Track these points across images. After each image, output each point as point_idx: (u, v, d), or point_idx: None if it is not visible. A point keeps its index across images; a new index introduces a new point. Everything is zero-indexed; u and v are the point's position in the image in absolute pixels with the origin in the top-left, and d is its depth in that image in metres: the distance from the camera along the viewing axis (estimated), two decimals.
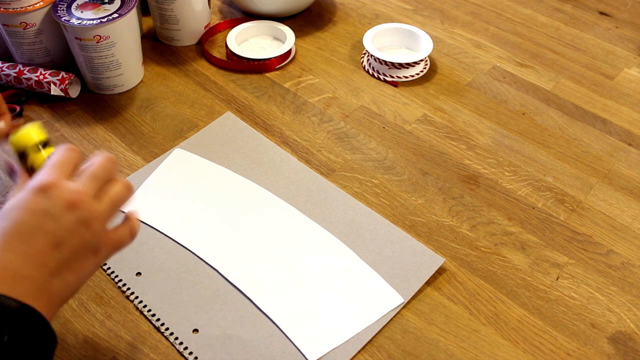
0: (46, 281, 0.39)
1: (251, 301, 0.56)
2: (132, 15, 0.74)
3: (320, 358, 0.52)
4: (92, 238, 0.41)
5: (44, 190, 0.41)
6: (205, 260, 0.59)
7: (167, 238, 0.61)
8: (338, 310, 0.55)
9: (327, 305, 0.56)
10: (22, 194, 0.41)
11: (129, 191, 0.45)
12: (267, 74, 0.83)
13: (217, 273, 0.58)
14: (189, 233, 0.61)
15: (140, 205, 0.64)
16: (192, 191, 0.66)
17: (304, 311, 0.55)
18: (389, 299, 0.56)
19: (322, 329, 0.54)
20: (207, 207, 0.64)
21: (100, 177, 0.44)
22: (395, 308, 0.56)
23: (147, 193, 0.66)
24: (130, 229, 0.46)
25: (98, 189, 0.43)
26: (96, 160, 0.44)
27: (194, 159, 0.70)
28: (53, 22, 0.75)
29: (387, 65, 0.81)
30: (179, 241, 0.61)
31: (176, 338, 0.53)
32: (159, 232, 0.62)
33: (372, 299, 0.56)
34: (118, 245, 0.45)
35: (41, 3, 0.73)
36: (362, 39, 0.84)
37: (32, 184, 0.41)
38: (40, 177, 0.42)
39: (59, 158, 0.44)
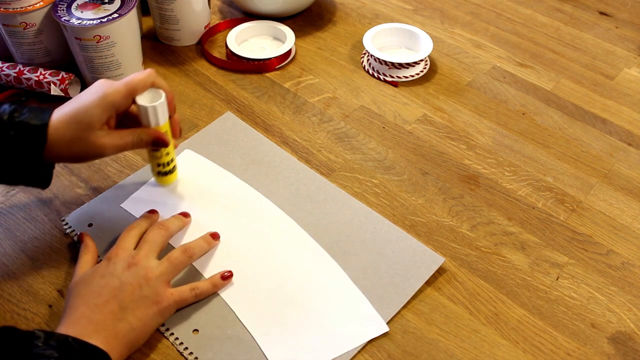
0: (113, 324, 0.49)
1: (235, 315, 0.55)
2: (132, 15, 0.74)
3: None
4: (149, 290, 0.51)
5: (109, 259, 0.54)
6: (196, 267, 0.59)
7: None
8: (321, 333, 0.54)
9: (310, 326, 0.54)
10: (96, 265, 0.54)
11: (187, 257, 0.56)
12: (267, 74, 0.83)
13: None
14: (184, 240, 0.61)
15: (139, 205, 0.64)
16: (191, 195, 0.65)
17: (285, 329, 0.54)
18: (374, 326, 0.54)
19: (302, 351, 0.52)
20: (204, 213, 0.63)
21: (155, 242, 0.56)
22: (366, 305, 0.56)
23: (148, 193, 0.66)
24: (195, 293, 0.54)
25: (156, 251, 0.55)
26: (149, 231, 0.57)
27: (201, 161, 0.69)
28: (53, 22, 0.75)
29: (387, 65, 0.81)
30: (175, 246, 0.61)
31: (176, 338, 0.53)
32: None
33: (358, 325, 0.54)
34: (180, 301, 0.54)
35: (41, 3, 0.73)
36: (362, 39, 0.84)
37: (106, 255, 0.54)
38: (110, 251, 0.55)
39: (125, 235, 0.56)
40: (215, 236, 0.60)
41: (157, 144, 0.57)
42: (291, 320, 0.55)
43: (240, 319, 0.55)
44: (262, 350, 0.52)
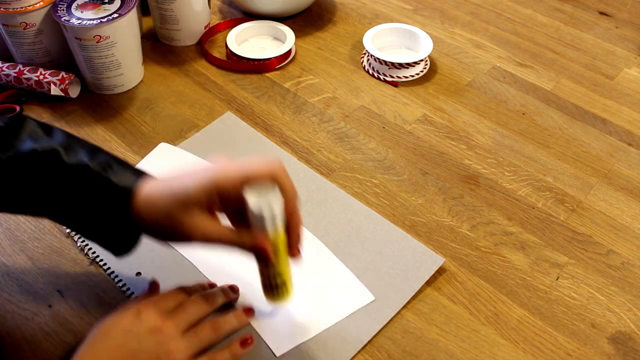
0: None
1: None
2: (132, 15, 0.74)
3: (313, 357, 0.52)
4: None
5: (139, 312, 0.48)
6: (194, 264, 0.59)
7: None
8: (308, 306, 0.56)
9: (297, 301, 0.55)
10: (122, 312, 0.48)
11: (215, 334, 0.50)
12: (267, 74, 0.83)
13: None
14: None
15: None
16: None
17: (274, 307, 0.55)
18: (360, 296, 0.56)
19: (291, 325, 0.54)
20: None
21: (192, 313, 0.50)
22: (366, 305, 0.56)
23: None
24: None
25: (187, 323, 0.49)
26: (192, 299, 0.51)
27: (177, 153, 0.69)
28: (53, 22, 0.75)
29: (387, 65, 0.81)
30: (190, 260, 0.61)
31: None
32: None
33: (343, 296, 0.56)
34: None
35: (41, 3, 0.73)
36: (362, 39, 0.84)
37: (134, 306, 0.48)
38: (142, 303, 0.49)
39: (165, 294, 0.51)
40: (249, 313, 0.54)
41: (257, 253, 0.47)
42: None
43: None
44: (252, 327, 0.54)
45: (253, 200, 0.45)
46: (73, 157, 0.47)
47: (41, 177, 0.46)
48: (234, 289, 0.55)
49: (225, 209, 0.48)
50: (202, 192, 0.45)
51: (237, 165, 0.45)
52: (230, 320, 0.52)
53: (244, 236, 0.47)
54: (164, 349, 0.46)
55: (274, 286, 0.51)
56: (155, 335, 0.46)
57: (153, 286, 0.55)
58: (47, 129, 0.49)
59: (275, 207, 0.45)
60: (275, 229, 0.47)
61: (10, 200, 0.49)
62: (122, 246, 0.49)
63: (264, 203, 0.45)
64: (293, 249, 0.49)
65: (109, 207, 0.46)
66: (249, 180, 0.45)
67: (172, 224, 0.46)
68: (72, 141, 0.48)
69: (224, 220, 0.48)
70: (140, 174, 0.48)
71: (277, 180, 0.45)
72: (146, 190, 0.46)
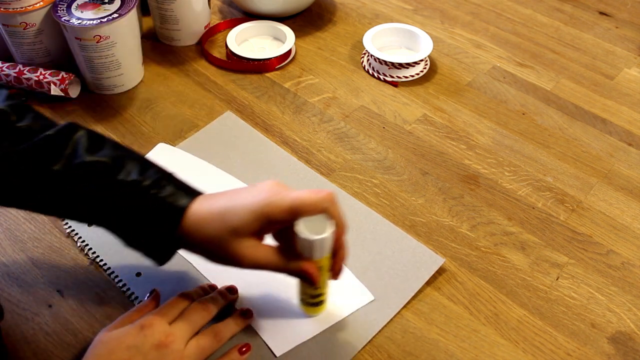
0: None
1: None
2: (132, 15, 0.74)
3: (312, 356, 0.52)
4: None
5: (143, 327, 0.47)
6: (194, 264, 0.59)
7: None
8: None
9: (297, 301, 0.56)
10: (127, 327, 0.48)
11: (217, 341, 0.51)
12: (267, 74, 0.83)
13: None
14: None
15: None
16: None
17: (273, 306, 0.56)
18: (360, 296, 0.56)
19: (291, 325, 0.54)
20: None
21: (194, 322, 0.50)
22: (366, 305, 0.56)
23: None
24: None
25: (190, 333, 0.49)
26: (194, 308, 0.51)
27: (175, 153, 0.70)
28: (53, 22, 0.75)
29: (387, 65, 0.81)
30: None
31: None
32: None
33: (343, 296, 0.56)
34: None
35: (41, 3, 0.73)
36: (362, 39, 0.84)
37: (140, 320, 0.48)
38: (146, 317, 0.48)
39: (168, 303, 0.51)
40: (247, 315, 0.54)
41: (304, 279, 0.48)
42: (280, 300, 0.55)
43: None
44: (252, 327, 0.54)
45: (303, 229, 0.45)
46: (124, 173, 0.47)
47: (91, 191, 0.47)
48: (232, 290, 0.55)
49: (272, 231, 0.49)
50: (254, 221, 0.45)
51: (289, 195, 0.45)
52: (230, 326, 0.52)
53: (291, 263, 0.47)
54: None
55: (313, 303, 0.53)
56: (161, 350, 0.46)
57: (154, 295, 0.54)
58: (97, 139, 0.49)
59: (325, 237, 0.45)
60: (322, 257, 0.47)
61: (58, 208, 0.49)
62: (161, 257, 0.50)
63: (315, 233, 0.45)
64: (335, 275, 0.50)
65: (157, 225, 0.47)
66: (300, 210, 0.45)
67: (221, 250, 0.46)
68: (122, 153, 0.48)
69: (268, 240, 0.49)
70: (191, 193, 0.48)
71: (328, 212, 0.45)
72: (197, 213, 0.46)
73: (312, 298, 0.52)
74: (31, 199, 0.48)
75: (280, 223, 0.46)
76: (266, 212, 0.44)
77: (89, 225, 0.50)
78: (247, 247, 0.46)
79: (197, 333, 0.50)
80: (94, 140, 0.48)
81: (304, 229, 0.45)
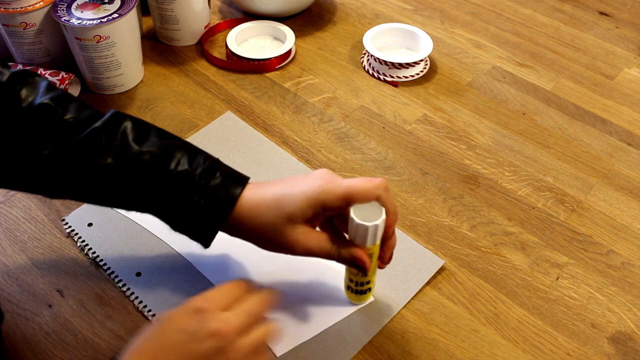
0: None
1: None
2: (132, 15, 0.74)
3: (312, 356, 0.52)
4: None
5: (198, 312, 0.44)
6: (194, 264, 0.59)
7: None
8: (308, 306, 0.56)
9: (297, 301, 0.56)
10: (180, 309, 0.45)
11: (272, 336, 0.48)
12: (267, 74, 0.83)
13: None
14: (179, 237, 0.61)
15: None
16: None
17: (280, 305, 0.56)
18: None
19: (291, 325, 0.54)
20: None
21: (253, 315, 0.47)
22: (366, 305, 0.56)
23: None
24: None
25: (247, 325, 0.46)
26: (255, 297, 0.47)
27: None
28: (53, 22, 0.75)
29: (387, 65, 0.81)
30: (171, 245, 0.61)
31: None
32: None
33: (342, 296, 0.56)
34: None
35: (41, 3, 0.73)
36: (362, 39, 0.84)
37: (192, 303, 0.45)
38: (200, 300, 0.45)
39: (222, 288, 0.47)
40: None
41: (355, 266, 0.49)
42: (281, 301, 0.55)
43: None
44: None
45: (357, 216, 0.46)
46: (174, 163, 0.48)
47: (141, 182, 0.47)
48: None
49: (322, 218, 0.50)
50: (308, 207, 0.46)
51: (343, 183, 0.46)
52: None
53: (343, 250, 0.48)
54: (223, 351, 0.44)
55: (359, 291, 0.53)
56: (216, 338, 0.44)
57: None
58: (143, 128, 0.49)
59: (378, 224, 0.46)
60: (374, 244, 0.48)
61: (107, 198, 0.49)
62: (207, 240, 0.50)
63: (367, 220, 0.46)
64: (384, 263, 0.51)
65: (209, 215, 0.48)
66: (354, 198, 0.46)
67: (275, 236, 0.47)
68: (169, 142, 0.49)
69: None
70: (241, 180, 0.49)
71: (380, 200, 0.47)
72: (251, 200, 0.47)
73: (359, 286, 0.53)
74: (81, 191, 0.49)
75: (333, 210, 0.47)
76: (321, 199, 0.46)
77: (136, 211, 0.50)
78: (301, 233, 0.47)
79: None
80: (140, 129, 0.49)
81: (357, 216, 0.46)
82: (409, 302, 0.56)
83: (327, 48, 0.88)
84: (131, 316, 0.55)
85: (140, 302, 0.56)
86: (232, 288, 0.49)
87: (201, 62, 0.85)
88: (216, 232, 0.49)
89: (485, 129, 0.75)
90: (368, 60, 0.85)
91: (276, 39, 0.89)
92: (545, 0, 0.99)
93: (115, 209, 0.64)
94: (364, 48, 0.86)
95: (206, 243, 0.50)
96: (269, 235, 0.47)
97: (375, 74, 0.83)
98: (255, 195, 0.48)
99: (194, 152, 0.49)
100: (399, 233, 0.62)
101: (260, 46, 0.88)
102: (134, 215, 0.63)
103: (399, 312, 0.56)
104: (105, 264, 0.59)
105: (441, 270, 0.59)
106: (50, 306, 0.56)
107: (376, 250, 0.49)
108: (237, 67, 0.84)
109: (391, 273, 0.58)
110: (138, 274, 0.58)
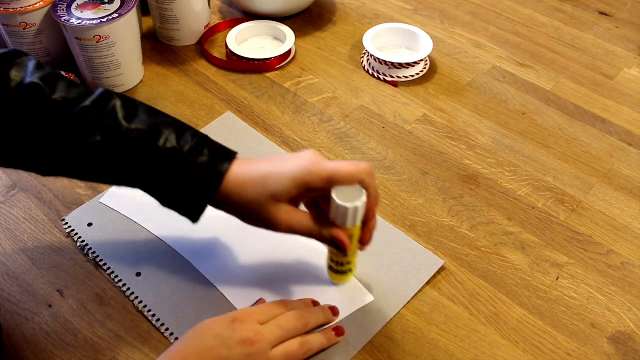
0: None
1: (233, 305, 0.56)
2: (132, 15, 0.74)
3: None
4: None
5: (233, 321, 0.48)
6: (194, 264, 0.59)
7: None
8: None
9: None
10: (220, 317, 0.48)
11: (301, 351, 0.50)
12: (267, 74, 0.83)
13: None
14: (179, 237, 0.62)
15: (118, 199, 0.64)
16: None
17: None
18: (360, 296, 0.56)
19: None
20: None
21: (286, 329, 0.49)
22: (366, 305, 0.56)
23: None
24: None
25: (280, 338, 0.49)
26: (291, 313, 0.51)
27: None
28: (53, 22, 0.75)
29: (387, 65, 0.81)
30: (171, 245, 0.61)
31: (176, 338, 0.53)
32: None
33: (343, 296, 0.56)
34: None
35: (41, 3, 0.73)
36: (362, 39, 0.84)
37: (231, 314, 0.49)
38: (239, 312, 0.49)
39: (264, 305, 0.51)
40: (339, 332, 0.53)
41: (335, 246, 0.50)
42: (282, 298, 0.56)
43: (231, 302, 0.56)
44: None
45: (339, 197, 0.47)
46: (162, 139, 0.48)
47: (131, 159, 0.48)
48: (334, 311, 0.55)
49: (307, 198, 0.52)
50: (293, 187, 0.47)
51: (328, 165, 0.48)
52: (319, 340, 0.52)
53: (324, 230, 0.49)
54: (253, 358, 0.46)
55: (340, 271, 0.55)
56: (245, 346, 0.46)
57: (259, 302, 0.55)
58: (131, 106, 0.50)
59: (359, 206, 0.47)
60: (354, 225, 0.49)
61: (96, 174, 0.50)
62: (196, 215, 0.51)
63: (348, 201, 0.47)
64: (363, 245, 0.52)
65: (198, 190, 0.49)
66: (337, 180, 0.47)
67: (259, 213, 0.48)
68: (158, 119, 0.50)
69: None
70: (230, 157, 0.49)
71: (363, 183, 0.48)
72: (238, 176, 0.48)
73: (340, 266, 0.54)
74: (71, 168, 0.50)
75: (317, 191, 0.48)
76: (306, 180, 0.47)
77: (124, 186, 0.51)
78: (284, 211, 0.48)
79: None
80: (129, 107, 0.50)
81: (339, 197, 0.47)
82: (409, 302, 0.56)
83: (327, 48, 0.88)
84: (131, 316, 0.56)
85: (140, 302, 0.56)
86: (272, 306, 0.52)
87: (201, 62, 0.85)
88: (205, 208, 0.50)
89: (485, 129, 0.75)
90: (368, 60, 0.85)
91: (276, 39, 0.89)
92: (545, 0, 0.99)
93: (115, 212, 0.64)
94: (364, 48, 0.86)
95: (195, 218, 0.51)
96: (254, 211, 0.48)
97: (375, 74, 0.83)
98: (242, 172, 0.49)
99: (183, 129, 0.50)
100: (399, 233, 0.62)
101: (260, 46, 0.88)
102: (134, 215, 0.63)
103: (399, 312, 0.56)
104: (105, 264, 0.59)
105: (441, 270, 0.59)
106: (50, 306, 0.56)
107: (357, 232, 0.50)
108: (237, 67, 0.84)
109: (391, 273, 0.58)
110: (138, 274, 0.58)
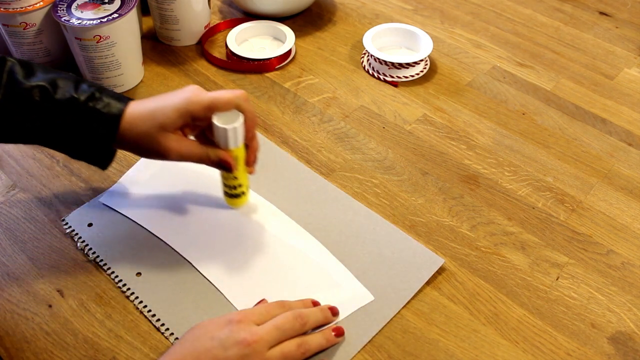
0: None
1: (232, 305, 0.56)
2: (132, 15, 0.74)
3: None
4: None
5: (230, 322, 0.48)
6: (194, 264, 0.59)
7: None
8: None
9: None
10: (217, 318, 0.49)
11: (299, 352, 0.50)
12: (267, 74, 0.83)
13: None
14: (179, 237, 0.61)
15: (116, 199, 0.64)
16: (172, 190, 0.66)
17: None
18: (360, 296, 0.56)
19: None
20: (192, 208, 0.64)
21: (283, 330, 0.49)
22: (366, 305, 0.56)
23: (125, 186, 0.66)
24: None
25: (277, 339, 0.49)
26: (289, 313, 0.51)
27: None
28: (53, 22, 0.75)
29: (387, 65, 0.81)
30: (171, 245, 0.61)
31: (176, 338, 0.53)
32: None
33: (343, 296, 0.56)
34: None
35: (41, 3, 0.73)
36: (362, 39, 0.84)
37: (229, 315, 0.49)
38: (237, 313, 0.49)
39: (262, 306, 0.52)
40: (338, 333, 0.53)
41: (222, 167, 0.56)
42: (282, 298, 0.55)
43: (231, 302, 0.56)
44: None
45: (219, 122, 0.53)
46: (60, 92, 0.52)
47: (33, 114, 0.52)
48: (333, 311, 0.54)
49: (194, 129, 0.57)
50: (178, 116, 0.53)
51: (207, 94, 0.53)
52: (318, 341, 0.51)
53: (210, 153, 0.55)
54: (248, 359, 0.46)
55: (234, 194, 0.60)
56: (242, 347, 0.46)
57: (260, 302, 0.55)
58: (28, 66, 0.54)
59: (236, 126, 0.54)
60: (236, 146, 0.55)
61: (5, 134, 0.53)
62: (104, 162, 0.56)
63: (227, 124, 0.53)
64: (250, 164, 0.59)
65: (99, 135, 0.53)
66: (217, 106, 0.53)
67: (150, 144, 0.53)
68: (55, 75, 0.54)
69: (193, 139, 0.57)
70: (123, 100, 0.54)
71: (240, 107, 0.54)
72: (131, 114, 0.53)
73: (232, 189, 0.60)
74: None
75: (201, 120, 0.54)
76: (190, 109, 0.53)
77: (32, 144, 0.56)
78: (173, 140, 0.53)
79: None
80: (26, 67, 0.53)
81: (219, 121, 0.53)
82: (409, 302, 0.56)
83: (327, 48, 0.88)
84: (131, 316, 0.56)
85: (141, 302, 0.56)
86: (270, 307, 0.52)
87: (201, 62, 0.85)
88: (110, 152, 0.55)
89: (485, 129, 0.75)
90: (368, 60, 0.85)
91: (276, 39, 0.89)
92: (545, 0, 0.99)
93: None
94: (364, 48, 0.86)
95: (104, 165, 0.56)
96: (146, 144, 0.53)
97: (375, 74, 0.83)
98: (134, 111, 0.53)
99: (79, 81, 0.54)
100: (399, 232, 0.62)
101: (260, 46, 0.88)
102: (134, 215, 0.63)
103: (399, 312, 0.56)
104: (105, 264, 0.59)
105: (441, 270, 0.59)
106: (50, 306, 0.56)
107: (241, 154, 0.56)
108: (237, 67, 0.84)
109: (391, 273, 0.58)
110: (138, 274, 0.58)
